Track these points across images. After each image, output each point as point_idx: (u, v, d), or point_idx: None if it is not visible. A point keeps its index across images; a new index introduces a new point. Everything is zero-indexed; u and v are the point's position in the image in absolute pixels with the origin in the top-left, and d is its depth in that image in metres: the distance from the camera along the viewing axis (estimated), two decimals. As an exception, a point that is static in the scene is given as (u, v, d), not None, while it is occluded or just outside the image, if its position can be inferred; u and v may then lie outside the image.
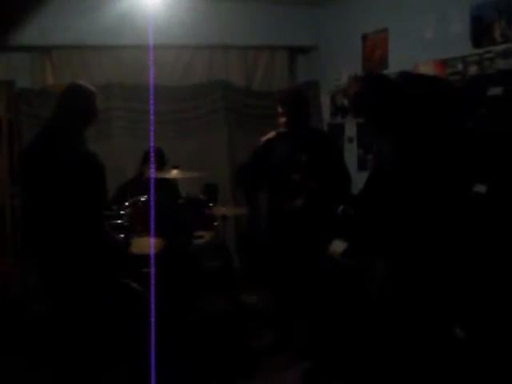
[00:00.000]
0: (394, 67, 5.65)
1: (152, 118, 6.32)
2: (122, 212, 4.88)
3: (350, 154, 6.44)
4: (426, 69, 5.22)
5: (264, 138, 4.98)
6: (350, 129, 6.57)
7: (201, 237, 5.07)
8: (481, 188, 4.06)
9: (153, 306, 3.64)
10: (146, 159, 5.65)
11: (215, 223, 5.19)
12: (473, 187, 4.11)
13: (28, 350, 4.83)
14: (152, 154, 5.46)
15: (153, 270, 4.83)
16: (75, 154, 3.59)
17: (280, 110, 4.87)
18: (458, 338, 4.06)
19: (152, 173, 5.44)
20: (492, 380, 3.72)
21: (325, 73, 6.90)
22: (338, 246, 4.65)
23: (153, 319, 3.62)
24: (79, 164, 3.57)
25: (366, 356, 3.76)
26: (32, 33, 6.07)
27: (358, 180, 4.48)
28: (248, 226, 6.43)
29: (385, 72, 5.70)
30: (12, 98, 6.11)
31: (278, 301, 5.05)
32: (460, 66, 4.92)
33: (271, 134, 4.94)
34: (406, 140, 3.57)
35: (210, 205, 5.18)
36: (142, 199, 4.95)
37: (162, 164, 5.60)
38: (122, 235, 4.82)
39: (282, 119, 4.85)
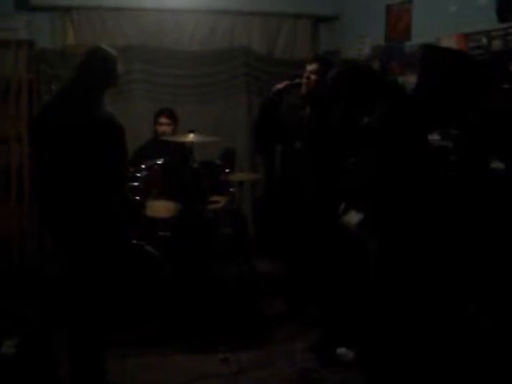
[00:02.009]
0: (416, 39, 5.59)
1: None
2: (137, 175, 4.92)
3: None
4: (449, 42, 5.15)
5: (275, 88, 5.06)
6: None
7: (216, 202, 5.09)
8: (499, 165, 4.02)
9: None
10: (158, 117, 5.66)
11: (231, 189, 5.19)
12: (490, 164, 4.08)
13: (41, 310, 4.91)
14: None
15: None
16: (93, 116, 3.57)
17: (309, 67, 4.92)
18: (470, 314, 4.07)
19: (165, 131, 5.47)
20: (505, 356, 3.72)
21: (347, 43, 6.83)
22: (354, 216, 4.65)
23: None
24: (97, 125, 3.56)
25: (376, 326, 3.77)
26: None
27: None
28: (264, 190, 6.42)
29: (407, 44, 5.66)
30: (32, 58, 6.11)
31: (289, 268, 5.08)
32: (484, 41, 4.85)
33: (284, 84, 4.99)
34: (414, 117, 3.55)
35: (227, 170, 5.18)
36: (158, 162, 4.97)
37: (175, 123, 5.62)
38: (138, 198, 4.86)
39: (313, 76, 4.88)
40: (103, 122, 3.58)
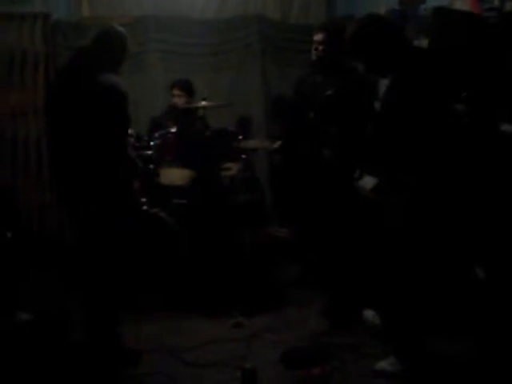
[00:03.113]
0: (431, 2, 5.52)
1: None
2: (151, 143, 4.97)
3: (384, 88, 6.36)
4: (463, 4, 5.09)
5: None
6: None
7: (228, 169, 5.12)
8: (507, 127, 4.00)
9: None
10: (172, 89, 5.69)
11: (243, 156, 5.22)
12: (499, 126, 4.06)
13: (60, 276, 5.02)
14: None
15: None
16: (95, 82, 3.64)
17: (316, 37, 4.90)
18: (478, 278, 4.09)
19: (177, 103, 5.50)
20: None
21: (362, 7, 6.76)
22: (369, 181, 4.66)
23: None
24: (100, 90, 3.63)
25: (387, 292, 3.80)
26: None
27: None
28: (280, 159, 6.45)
29: (422, 7, 5.60)
30: (48, 30, 6.16)
31: (304, 234, 5.12)
32: (496, 2, 4.80)
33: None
34: (421, 79, 3.51)
35: (239, 137, 5.21)
36: (172, 131, 5.02)
37: (189, 94, 5.63)
38: (151, 166, 4.92)
39: (320, 47, 4.88)
40: (105, 88, 3.64)
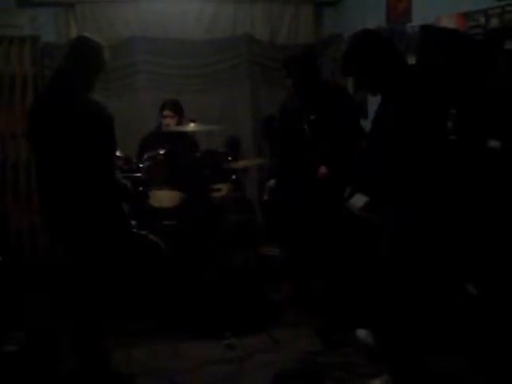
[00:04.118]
0: (417, 20, 5.57)
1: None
2: (140, 165, 4.97)
3: (374, 107, 6.38)
4: (450, 21, 5.13)
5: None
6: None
7: (218, 190, 5.12)
8: (495, 143, 4.02)
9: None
10: (162, 110, 5.70)
11: (233, 176, 5.22)
12: (487, 143, 4.08)
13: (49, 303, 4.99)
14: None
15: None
16: (81, 104, 3.62)
17: (285, 73, 5.04)
18: (470, 294, 4.09)
19: (167, 124, 5.51)
20: (503, 336, 3.74)
21: (350, 26, 6.80)
22: (359, 200, 4.66)
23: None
24: (86, 113, 3.60)
25: (382, 310, 3.80)
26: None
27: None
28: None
29: (408, 25, 5.64)
30: (37, 52, 6.16)
31: (296, 253, 5.12)
32: (482, 20, 4.83)
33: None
34: (415, 97, 3.51)
35: (229, 158, 5.22)
36: (161, 152, 5.02)
37: (179, 115, 5.64)
38: (141, 188, 4.92)
39: (288, 81, 5.00)
40: (91, 111, 3.61)
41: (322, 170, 4.78)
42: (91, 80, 3.76)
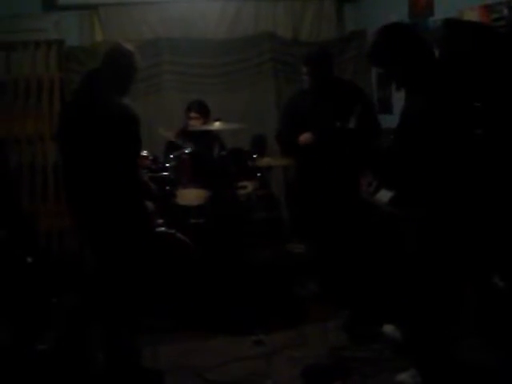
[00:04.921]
0: (439, 14, 5.55)
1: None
2: (167, 165, 5.02)
3: (399, 103, 6.37)
4: (472, 14, 5.11)
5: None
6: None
7: (244, 187, 5.16)
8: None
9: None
10: (188, 112, 5.73)
11: (258, 173, 5.26)
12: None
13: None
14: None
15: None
16: (107, 106, 3.68)
17: (303, 69, 5.13)
18: (498, 287, 4.08)
19: (193, 125, 5.55)
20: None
21: (372, 21, 6.79)
22: (385, 195, 4.67)
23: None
24: (111, 115, 3.66)
25: (407, 304, 3.80)
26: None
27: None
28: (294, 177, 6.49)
29: (431, 19, 5.63)
30: (62, 56, 6.24)
31: (321, 249, 5.13)
32: (505, 11, 4.81)
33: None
34: (441, 91, 3.50)
35: (254, 156, 5.25)
36: (186, 151, 5.06)
37: (205, 116, 5.68)
38: (168, 187, 4.97)
39: (305, 77, 5.09)
40: (116, 113, 3.68)
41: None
42: (123, 85, 3.85)
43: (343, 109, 4.84)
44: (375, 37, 3.70)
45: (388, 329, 4.31)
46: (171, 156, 5.10)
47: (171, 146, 5.51)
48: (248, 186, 5.18)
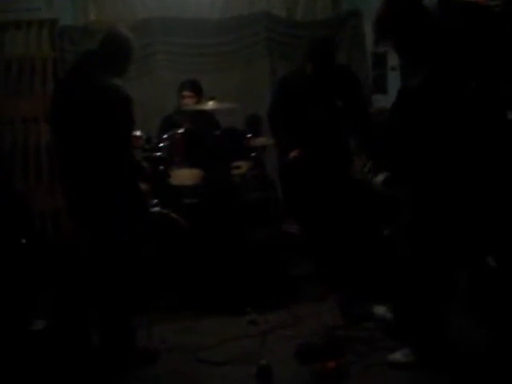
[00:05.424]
0: (435, -8, 5.52)
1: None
2: (160, 145, 5.00)
3: (393, 82, 6.36)
4: (467, -7, 5.08)
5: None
6: (393, 58, 6.46)
7: (238, 167, 5.15)
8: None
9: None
10: (181, 91, 5.71)
11: (253, 154, 5.25)
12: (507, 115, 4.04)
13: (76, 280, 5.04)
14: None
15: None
16: (99, 87, 3.66)
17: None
18: (490, 267, 4.08)
19: (186, 104, 5.53)
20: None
21: (368, 1, 6.76)
22: (380, 177, 4.69)
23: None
24: (104, 95, 3.65)
25: (400, 284, 3.81)
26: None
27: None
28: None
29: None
30: (55, 36, 6.20)
31: (313, 231, 5.13)
32: (501, -10, 4.78)
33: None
34: (440, 66, 3.49)
35: (248, 136, 5.23)
36: (180, 131, 5.04)
37: (198, 94, 5.66)
38: (162, 167, 4.95)
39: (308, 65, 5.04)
40: (108, 93, 3.66)
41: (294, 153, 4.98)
42: (120, 68, 3.86)
43: (337, 91, 4.89)
44: (381, 6, 3.67)
45: (379, 310, 4.31)
46: (165, 136, 5.07)
47: (167, 123, 5.50)
48: (242, 166, 5.17)
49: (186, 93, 5.64)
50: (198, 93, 5.65)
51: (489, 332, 3.81)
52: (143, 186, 4.21)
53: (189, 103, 5.57)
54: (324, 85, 5.01)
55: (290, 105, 5.09)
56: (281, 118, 5.19)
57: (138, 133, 4.63)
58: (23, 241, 4.89)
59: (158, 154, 4.99)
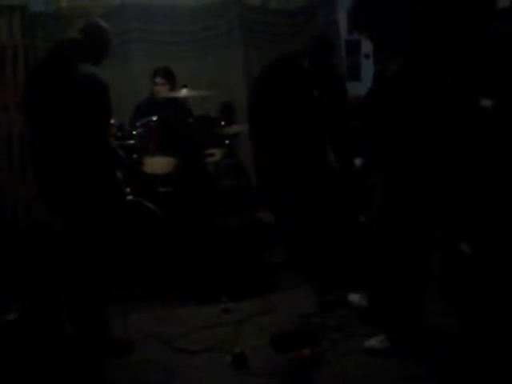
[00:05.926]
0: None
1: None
2: (134, 132, 4.95)
3: (367, 70, 6.38)
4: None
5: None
6: (367, 45, 6.47)
7: (212, 155, 5.13)
8: (487, 102, 4.01)
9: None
10: (153, 78, 5.68)
11: (227, 141, 5.23)
12: (479, 102, 4.06)
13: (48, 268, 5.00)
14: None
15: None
16: (75, 74, 3.63)
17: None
18: (463, 252, 4.12)
19: (159, 91, 5.50)
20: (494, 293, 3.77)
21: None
22: (356, 161, 4.70)
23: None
24: (79, 82, 3.62)
25: (375, 270, 3.82)
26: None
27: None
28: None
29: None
30: (26, 22, 6.12)
31: (288, 219, 5.14)
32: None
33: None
34: (418, 52, 3.48)
35: (222, 123, 5.21)
36: (153, 119, 5.00)
37: (171, 82, 5.63)
38: (135, 155, 4.91)
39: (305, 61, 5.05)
40: (84, 80, 3.63)
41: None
42: (98, 59, 3.87)
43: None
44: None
45: (354, 298, 4.32)
46: (137, 124, 5.02)
47: (137, 114, 5.45)
48: (216, 154, 5.15)
49: (158, 80, 5.61)
50: (171, 80, 5.62)
51: (462, 317, 3.84)
52: (118, 174, 4.18)
53: (161, 90, 5.54)
54: (317, 81, 5.04)
55: (276, 100, 5.07)
56: (262, 122, 5.17)
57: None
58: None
59: (131, 141, 4.94)
